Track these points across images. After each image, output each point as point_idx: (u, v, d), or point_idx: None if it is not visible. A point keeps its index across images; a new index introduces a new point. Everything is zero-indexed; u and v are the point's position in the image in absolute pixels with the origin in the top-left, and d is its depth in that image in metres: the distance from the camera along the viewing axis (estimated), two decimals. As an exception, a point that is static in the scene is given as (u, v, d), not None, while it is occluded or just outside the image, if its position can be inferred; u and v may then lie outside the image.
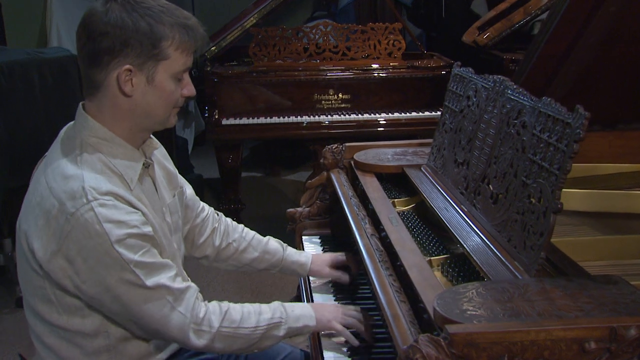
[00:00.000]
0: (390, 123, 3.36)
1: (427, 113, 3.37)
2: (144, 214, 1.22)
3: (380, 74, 3.41)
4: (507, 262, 1.16)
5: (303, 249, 1.88)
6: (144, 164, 1.29)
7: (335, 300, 1.60)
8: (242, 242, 1.62)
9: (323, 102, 3.41)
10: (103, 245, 1.14)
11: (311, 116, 3.36)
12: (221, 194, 3.66)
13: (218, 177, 3.68)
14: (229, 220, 1.67)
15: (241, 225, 1.67)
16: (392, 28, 3.47)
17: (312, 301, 1.60)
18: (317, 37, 3.47)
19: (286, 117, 3.37)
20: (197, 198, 1.60)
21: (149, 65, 1.20)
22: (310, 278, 1.70)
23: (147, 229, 1.20)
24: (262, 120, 3.35)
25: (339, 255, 1.67)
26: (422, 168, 1.75)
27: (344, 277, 1.63)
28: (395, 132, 3.36)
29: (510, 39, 3.50)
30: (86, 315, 1.22)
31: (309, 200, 2.03)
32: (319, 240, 1.94)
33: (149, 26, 1.18)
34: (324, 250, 1.86)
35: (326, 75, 3.39)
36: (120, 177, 1.23)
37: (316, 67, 3.43)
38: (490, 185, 1.34)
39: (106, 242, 1.14)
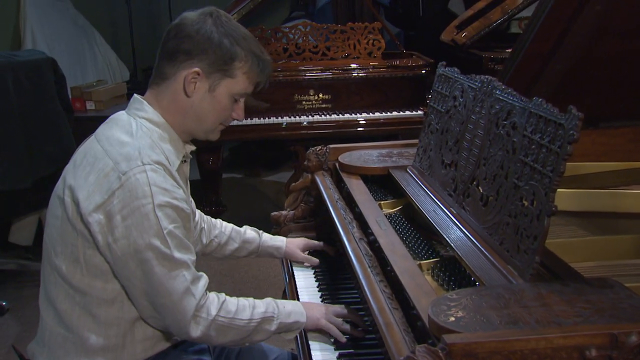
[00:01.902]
0: (371, 123, 3.33)
1: (407, 112, 3.35)
2: (184, 192, 1.29)
3: (360, 74, 3.38)
4: (500, 266, 1.12)
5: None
6: (183, 157, 1.36)
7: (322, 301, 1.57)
8: (223, 236, 1.70)
9: (304, 102, 3.38)
10: (146, 207, 1.19)
11: (292, 117, 3.33)
12: (201, 196, 3.61)
13: (198, 179, 3.62)
14: (207, 217, 1.71)
15: (219, 220, 1.73)
16: (372, 27, 3.44)
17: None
18: (296, 37, 3.44)
19: (267, 118, 3.33)
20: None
21: (216, 77, 1.30)
22: (297, 281, 1.69)
23: (185, 206, 1.25)
24: (243, 122, 3.28)
25: (314, 241, 1.78)
26: (408, 169, 1.72)
27: (314, 260, 1.74)
28: (376, 132, 3.34)
29: (488, 38, 3.49)
30: (109, 280, 1.25)
31: (294, 203, 2.00)
32: (304, 244, 1.90)
33: (230, 44, 1.30)
34: (310, 254, 1.83)
35: (306, 75, 3.36)
36: (165, 159, 1.28)
37: (296, 68, 3.40)
38: (479, 187, 1.30)
39: (149, 203, 1.19)
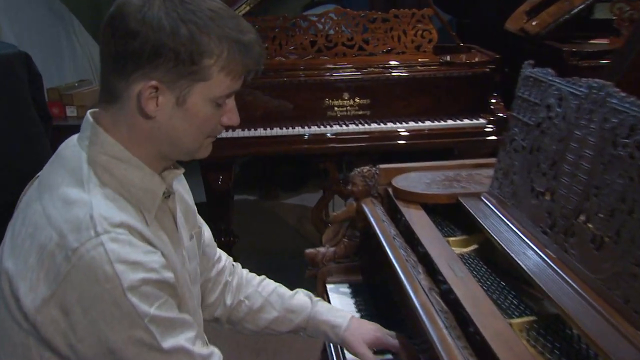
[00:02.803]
0: (419, 134, 3.29)
1: (466, 121, 3.30)
2: (164, 255, 1.18)
3: (407, 73, 3.34)
4: (626, 333, 1.05)
5: (329, 301, 1.83)
6: (164, 194, 1.26)
7: None
8: (257, 298, 1.59)
9: (336, 108, 3.35)
10: (112, 293, 1.08)
11: (321, 126, 3.30)
12: (208, 224, 3.56)
13: (204, 202, 3.59)
14: (245, 271, 1.64)
15: (260, 277, 1.63)
16: (421, 15, 3.41)
17: None
18: (327, 27, 3.41)
19: (290, 128, 3.29)
20: (215, 243, 1.59)
21: (182, 85, 1.17)
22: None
23: (168, 274, 1.16)
24: (260, 132, 3.26)
25: (387, 334, 1.54)
26: (482, 197, 1.68)
27: None
28: (426, 146, 3.30)
29: (570, 26, 3.42)
30: None
31: (334, 238, 1.98)
32: (348, 290, 1.89)
33: (190, 35, 1.14)
34: (357, 304, 1.80)
35: (339, 75, 3.34)
36: (136, 207, 1.19)
37: (326, 65, 3.38)
38: (589, 225, 1.24)
39: (117, 288, 1.08)
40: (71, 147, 1.22)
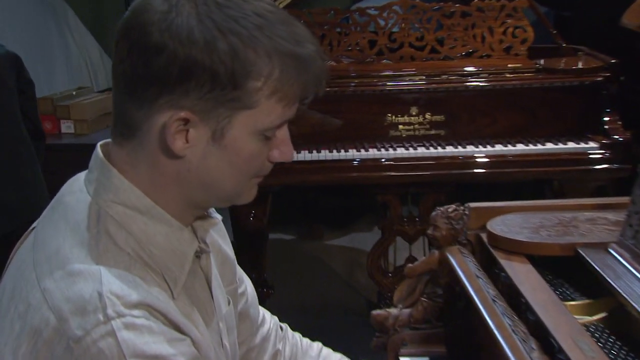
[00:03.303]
0: (509, 160, 3.27)
1: (571, 145, 3.26)
2: (193, 341, 1.16)
3: (493, 83, 3.34)
4: None
5: (403, 379, 1.83)
6: (195, 252, 1.25)
7: None
8: None
9: (400, 127, 3.35)
10: None
11: (381, 149, 3.31)
12: (237, 271, 3.60)
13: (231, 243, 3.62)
14: (297, 335, 1.65)
15: (316, 344, 1.65)
16: (513, 8, 3.41)
17: None
18: (390, 23, 3.43)
19: (341, 151, 3.30)
20: (257, 301, 1.60)
21: (220, 114, 1.14)
22: None
23: (196, 353, 1.15)
24: (304, 156, 3.27)
25: None
26: (610, 249, 1.64)
27: None
28: (518, 176, 3.30)
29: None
30: None
31: (410, 297, 1.96)
32: (429, 366, 1.88)
33: (232, 49, 1.10)
34: None
35: (405, 84, 3.35)
36: (159, 276, 1.18)
37: (389, 72, 3.39)
38: None
39: None
40: (76, 193, 1.21)
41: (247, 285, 1.55)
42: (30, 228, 1.25)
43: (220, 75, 1.10)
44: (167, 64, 1.10)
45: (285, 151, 1.23)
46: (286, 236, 4.89)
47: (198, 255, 1.26)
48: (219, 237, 1.42)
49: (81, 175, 1.24)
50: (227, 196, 1.23)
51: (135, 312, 1.08)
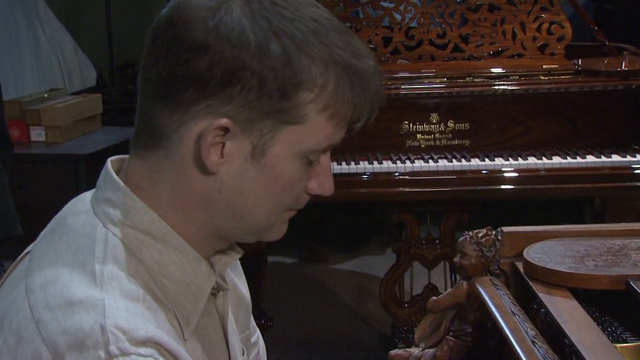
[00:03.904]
0: (543, 175, 3.25)
1: (615, 158, 3.25)
2: None
3: (525, 86, 3.34)
4: None
5: None
6: (214, 289, 1.26)
7: None
8: None
9: (419, 136, 3.35)
10: None
11: (397, 161, 3.30)
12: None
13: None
14: None
15: None
16: (548, 0, 3.41)
17: None
18: (407, 18, 3.42)
19: (353, 164, 3.29)
20: (265, 354, 1.60)
21: (265, 127, 1.14)
22: None
23: None
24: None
25: None
26: (668, 282, 1.63)
27: None
28: (553, 193, 3.31)
29: None
30: None
31: (433, 335, 1.93)
32: (455, 417, 1.86)
33: (285, 55, 1.12)
34: None
35: (424, 87, 3.36)
36: (169, 312, 1.17)
37: (406, 74, 3.40)
38: None
39: None
40: (81, 214, 1.21)
41: (259, 335, 1.56)
42: (24, 252, 1.25)
43: (269, 82, 1.12)
44: (210, 65, 1.12)
45: (325, 182, 1.24)
46: (287, 259, 4.89)
47: (214, 292, 1.27)
48: (235, 276, 1.42)
49: (86, 195, 1.25)
50: (256, 227, 1.23)
51: (142, 350, 1.07)
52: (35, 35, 4.97)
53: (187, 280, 1.20)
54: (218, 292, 1.28)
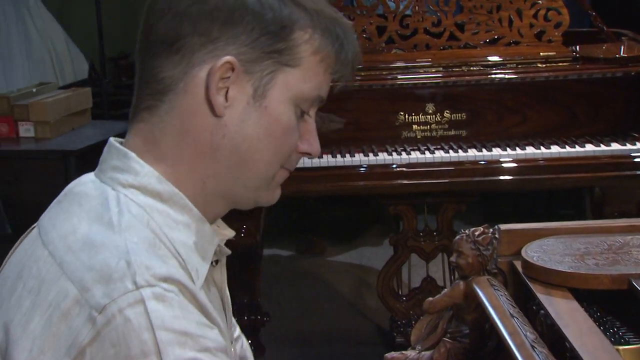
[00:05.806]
0: (541, 165, 3.25)
1: (615, 146, 3.24)
2: (222, 332, 1.22)
3: (523, 74, 3.33)
4: None
5: None
6: (215, 255, 1.32)
7: None
8: None
9: (414, 127, 3.34)
10: None
11: (393, 153, 3.29)
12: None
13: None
14: None
15: None
16: (546, -12, 3.42)
17: None
18: (402, 6, 3.43)
19: (348, 156, 3.28)
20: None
21: (264, 68, 1.24)
22: None
23: (224, 357, 1.20)
24: (303, 162, 3.21)
25: None
26: (671, 280, 1.62)
27: None
28: (552, 183, 3.31)
29: None
30: None
31: (430, 337, 1.94)
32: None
33: (281, 1, 1.23)
34: None
35: (420, 77, 3.35)
36: (182, 265, 1.23)
37: (401, 63, 3.39)
38: None
39: None
40: (88, 184, 1.28)
41: (244, 341, 1.61)
42: (30, 228, 1.31)
43: (268, 21, 1.23)
44: (213, 8, 1.22)
45: (312, 143, 1.33)
46: (282, 252, 4.89)
47: (214, 263, 1.33)
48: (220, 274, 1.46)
49: (87, 174, 1.31)
50: (256, 180, 1.30)
51: (165, 285, 1.13)
52: (26, 29, 4.97)
53: (193, 239, 1.25)
54: (214, 264, 1.32)
